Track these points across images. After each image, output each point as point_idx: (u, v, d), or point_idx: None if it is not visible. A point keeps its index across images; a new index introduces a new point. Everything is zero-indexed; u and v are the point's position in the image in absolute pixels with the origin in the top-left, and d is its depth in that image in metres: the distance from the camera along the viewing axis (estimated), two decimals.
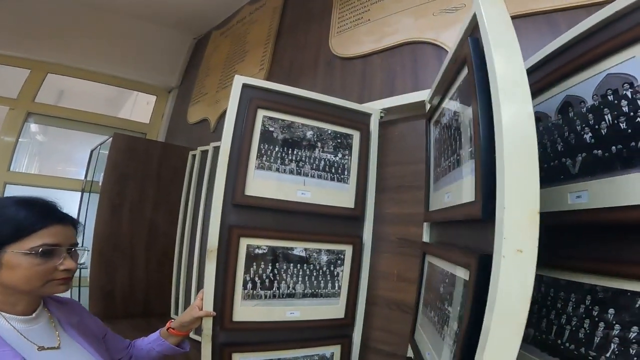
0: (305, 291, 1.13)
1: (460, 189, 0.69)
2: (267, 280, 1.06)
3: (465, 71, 0.70)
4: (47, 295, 0.82)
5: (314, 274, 1.14)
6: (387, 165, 1.34)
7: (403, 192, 1.30)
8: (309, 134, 1.15)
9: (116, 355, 0.99)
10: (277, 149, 1.09)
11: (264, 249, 1.04)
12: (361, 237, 1.24)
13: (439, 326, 0.75)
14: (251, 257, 1.03)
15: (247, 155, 1.03)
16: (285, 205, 1.08)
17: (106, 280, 2.09)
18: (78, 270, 2.26)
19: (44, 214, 0.75)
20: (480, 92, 0.59)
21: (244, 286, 1.03)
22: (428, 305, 0.88)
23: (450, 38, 1.28)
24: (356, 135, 1.25)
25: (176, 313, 2.20)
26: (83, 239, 2.48)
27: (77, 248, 0.80)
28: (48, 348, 0.74)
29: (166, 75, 3.06)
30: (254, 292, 1.05)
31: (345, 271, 1.20)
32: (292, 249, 1.09)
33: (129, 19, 2.87)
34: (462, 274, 0.63)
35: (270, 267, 1.06)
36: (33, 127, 4.22)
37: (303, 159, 1.13)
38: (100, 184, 2.17)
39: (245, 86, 1.10)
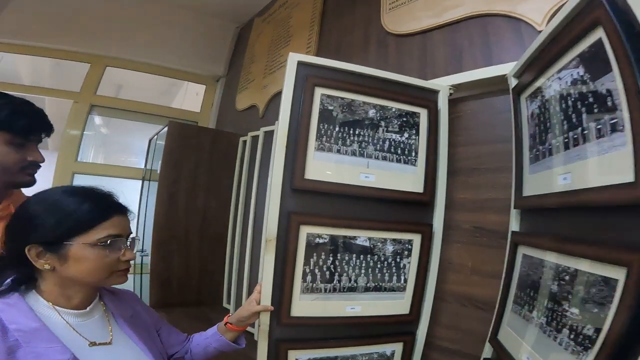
0: (368, 284, 1.03)
1: (593, 169, 0.54)
2: (327, 273, 0.97)
3: (594, 36, 0.57)
4: (108, 286, 0.81)
5: (378, 265, 1.04)
6: (457, 146, 1.18)
7: (478, 175, 1.14)
8: (371, 112, 1.03)
9: (172, 350, 0.95)
10: (337, 128, 0.99)
11: (325, 238, 0.95)
12: (431, 225, 1.11)
13: (550, 329, 0.62)
14: (311, 247, 0.94)
15: (306, 136, 0.93)
16: (347, 190, 0.98)
17: (164, 268, 2.15)
18: (140, 257, 2.32)
19: (107, 205, 0.74)
20: (635, 55, 0.47)
21: (303, 278, 0.95)
22: (525, 304, 0.75)
23: (531, 10, 1.09)
24: (423, 113, 1.11)
25: (228, 302, 2.21)
26: (137, 227, 2.59)
27: (133, 237, 0.78)
28: (100, 343, 0.72)
29: (213, 64, 3.07)
30: (314, 285, 0.96)
31: (412, 263, 1.08)
32: (354, 238, 0.99)
33: (174, 10, 2.90)
34: (604, 271, 0.51)
35: (331, 258, 0.97)
36: (97, 120, 4.52)
37: (366, 139, 1.01)
38: (158, 172, 2.22)
39: (300, 64, 1.00)
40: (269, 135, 1.97)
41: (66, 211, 0.69)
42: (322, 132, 0.96)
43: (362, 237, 1.00)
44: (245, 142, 2.26)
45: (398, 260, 1.06)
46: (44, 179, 1.16)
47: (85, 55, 2.86)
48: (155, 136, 2.65)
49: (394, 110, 1.07)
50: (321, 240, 0.94)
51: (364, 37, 1.74)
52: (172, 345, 0.95)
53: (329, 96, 0.98)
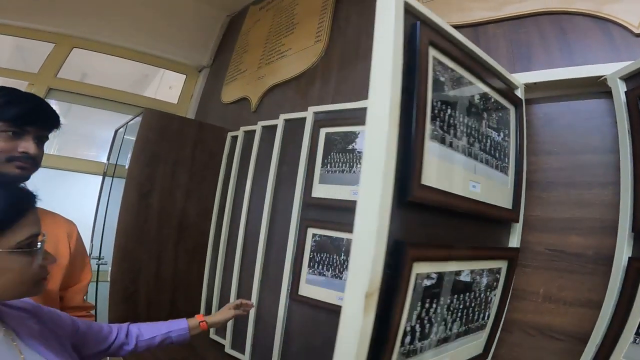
0: (460, 329, 0.65)
1: None
2: (427, 325, 0.56)
3: None
4: (25, 297, 0.58)
5: (472, 304, 0.66)
6: (530, 155, 0.87)
7: (556, 189, 0.84)
8: (477, 98, 0.66)
9: (97, 347, 0.75)
10: (449, 111, 0.58)
11: (433, 279, 0.54)
12: (518, 250, 0.76)
13: None
14: (418, 293, 0.52)
15: (423, 117, 0.50)
16: (458, 204, 0.57)
17: (129, 280, 1.56)
18: (96, 266, 1.71)
19: (21, 195, 0.52)
20: None
21: (402, 341, 0.53)
22: None
23: (623, 11, 0.84)
24: (512, 111, 0.77)
25: None
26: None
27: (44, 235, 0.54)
28: None
29: (198, 53, 2.49)
30: (412, 345, 0.55)
31: (497, 295, 0.73)
32: (459, 273, 0.60)
33: None
34: None
35: (434, 305, 0.56)
36: (55, 107, 3.58)
37: (473, 133, 0.63)
38: (126, 167, 1.63)
39: (408, 12, 0.53)
40: (270, 131, 1.52)
41: None
42: (436, 111, 0.55)
43: (466, 270, 0.61)
44: (235, 138, 1.77)
45: (488, 294, 0.70)
46: None
47: (49, 34, 2.14)
48: (125, 127, 2.02)
49: (493, 101, 0.70)
50: (429, 282, 0.53)
51: None
52: (98, 343, 0.75)
53: (440, 62, 0.57)
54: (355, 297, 0.42)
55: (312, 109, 1.27)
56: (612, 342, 0.64)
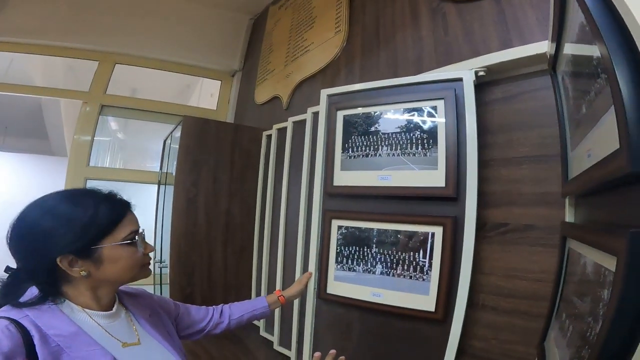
0: None
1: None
2: None
3: None
4: (137, 280, 0.72)
5: None
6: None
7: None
8: None
9: (197, 326, 0.92)
10: None
11: None
12: None
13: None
14: None
15: None
16: None
17: (186, 281, 1.75)
18: (158, 269, 1.93)
19: (118, 203, 0.69)
20: None
21: None
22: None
23: None
24: None
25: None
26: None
27: (143, 230, 0.72)
28: (131, 344, 0.67)
29: (228, 58, 2.64)
30: None
31: None
32: None
33: (183, 4, 2.49)
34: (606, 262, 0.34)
35: None
36: (113, 125, 4.10)
37: None
38: (174, 174, 1.82)
39: None
40: (300, 126, 1.56)
41: (86, 217, 0.63)
42: None
43: None
44: (269, 136, 1.85)
45: None
46: (57, 186, 0.93)
47: (92, 52, 2.45)
48: (170, 135, 2.25)
49: None
50: None
51: (410, 7, 1.30)
52: (195, 323, 0.92)
53: None
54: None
55: (325, 92, 1.22)
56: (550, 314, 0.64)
